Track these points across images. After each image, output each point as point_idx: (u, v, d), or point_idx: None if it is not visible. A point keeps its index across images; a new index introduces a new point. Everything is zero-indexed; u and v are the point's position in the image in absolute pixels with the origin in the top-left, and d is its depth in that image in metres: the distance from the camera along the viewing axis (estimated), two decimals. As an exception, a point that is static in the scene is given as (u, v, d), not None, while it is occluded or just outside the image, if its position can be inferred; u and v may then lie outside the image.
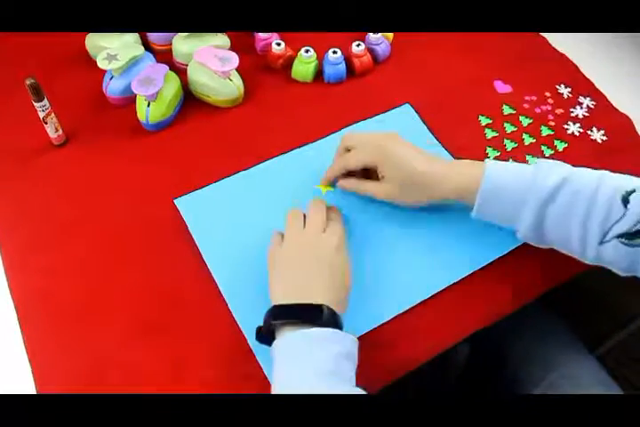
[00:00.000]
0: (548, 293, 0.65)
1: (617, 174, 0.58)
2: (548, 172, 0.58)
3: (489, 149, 0.73)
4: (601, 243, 0.55)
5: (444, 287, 0.63)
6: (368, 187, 0.65)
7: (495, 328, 0.62)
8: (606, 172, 0.58)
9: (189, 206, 0.67)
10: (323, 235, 0.59)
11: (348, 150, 0.65)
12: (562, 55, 0.83)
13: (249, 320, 0.60)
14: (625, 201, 0.54)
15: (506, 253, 0.65)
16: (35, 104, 0.65)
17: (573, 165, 0.60)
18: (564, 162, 0.60)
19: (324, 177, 0.68)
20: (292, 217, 0.62)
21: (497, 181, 0.58)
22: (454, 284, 0.63)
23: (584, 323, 0.81)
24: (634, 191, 0.54)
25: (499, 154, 0.73)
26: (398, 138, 0.64)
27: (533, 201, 0.57)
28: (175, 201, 0.67)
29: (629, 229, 0.54)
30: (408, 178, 0.61)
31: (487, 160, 0.61)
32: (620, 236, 0.54)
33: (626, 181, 0.56)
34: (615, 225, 0.54)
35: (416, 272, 0.64)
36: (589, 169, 0.59)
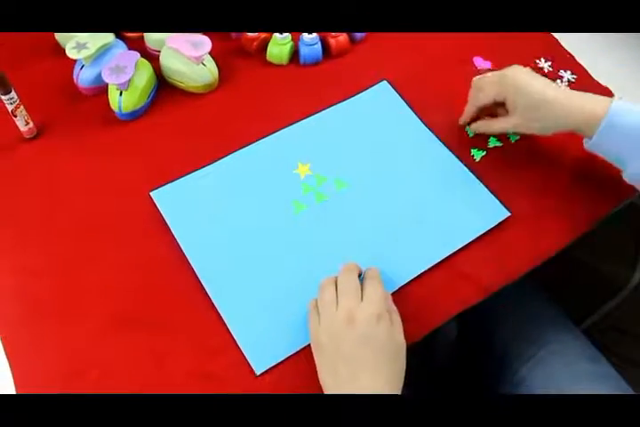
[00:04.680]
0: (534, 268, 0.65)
1: None
2: None
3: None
4: None
5: (428, 267, 0.63)
6: (497, 124, 0.68)
7: (482, 306, 0.62)
8: None
9: (166, 199, 0.65)
10: (357, 311, 0.54)
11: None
12: (541, 28, 0.82)
13: (232, 310, 0.59)
14: None
15: (488, 230, 0.65)
16: (2, 97, 0.63)
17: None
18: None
19: (460, 118, 0.71)
20: (322, 289, 0.58)
21: (619, 124, 0.59)
22: (438, 264, 0.63)
23: (571, 297, 0.81)
24: None
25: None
26: (521, 67, 0.65)
27: None
28: (151, 193, 0.66)
29: None
30: (535, 104, 0.63)
31: (615, 98, 0.62)
32: None
33: None
34: None
35: (399, 254, 0.63)
36: None
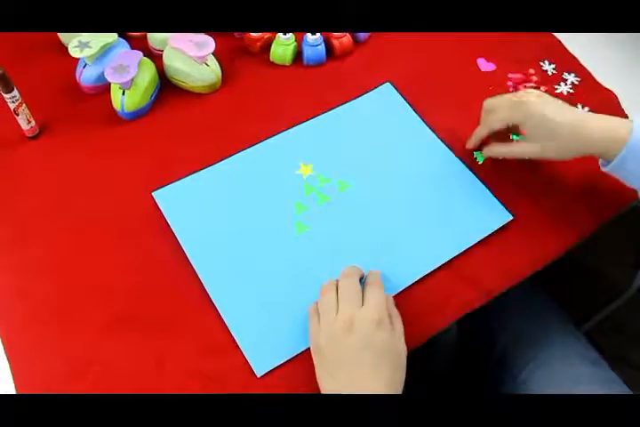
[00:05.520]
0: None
1: None
2: None
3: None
4: None
5: (430, 270, 0.62)
6: (513, 149, 0.66)
7: (482, 309, 0.62)
8: None
9: (168, 199, 0.65)
10: (357, 317, 0.54)
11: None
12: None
13: (233, 311, 0.59)
14: None
15: (490, 233, 0.65)
16: (4, 95, 0.63)
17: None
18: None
19: (469, 142, 0.69)
20: (323, 294, 0.58)
21: None
22: (440, 267, 0.63)
23: (572, 299, 0.81)
24: None
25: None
26: (536, 93, 0.63)
27: None
28: (153, 194, 0.65)
29: None
30: (551, 133, 0.61)
31: (634, 118, 0.60)
32: None
33: None
34: None
35: (402, 256, 0.63)
36: None
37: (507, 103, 0.64)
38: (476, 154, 0.70)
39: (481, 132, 0.67)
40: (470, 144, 0.69)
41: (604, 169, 0.62)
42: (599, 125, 0.60)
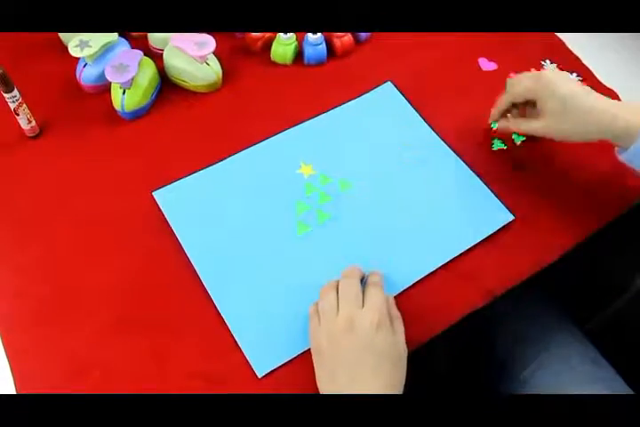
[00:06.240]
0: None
1: None
2: None
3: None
4: None
5: (431, 270, 0.62)
6: (526, 123, 0.64)
7: (483, 308, 0.62)
8: None
9: (168, 199, 0.65)
10: (357, 318, 0.54)
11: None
12: (547, 30, 0.81)
13: (234, 312, 0.59)
14: None
15: (491, 233, 0.65)
16: (4, 95, 0.63)
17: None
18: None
19: (491, 114, 0.68)
20: (323, 294, 0.58)
21: None
22: (442, 267, 0.63)
23: (573, 299, 0.81)
24: None
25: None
26: (560, 71, 0.64)
27: None
28: (154, 193, 0.65)
29: None
30: (564, 108, 0.60)
31: None
32: None
33: None
34: None
35: (403, 256, 0.63)
36: None
37: (528, 74, 0.64)
38: (494, 140, 0.70)
39: (502, 102, 0.67)
40: (493, 117, 0.69)
41: (620, 157, 0.61)
42: (617, 109, 0.59)
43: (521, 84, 0.64)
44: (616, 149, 0.62)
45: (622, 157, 0.60)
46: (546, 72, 0.63)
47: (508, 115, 0.68)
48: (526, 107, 0.66)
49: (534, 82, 0.62)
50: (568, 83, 0.62)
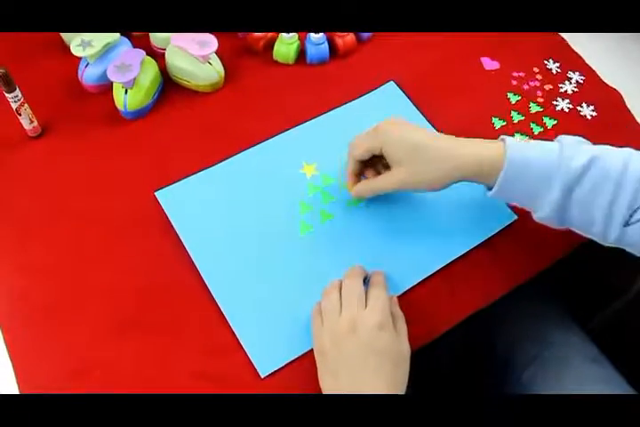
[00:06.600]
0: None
1: None
2: (574, 151, 0.54)
3: (477, 128, 0.71)
4: (626, 224, 0.53)
5: (434, 271, 0.62)
6: (380, 181, 0.61)
7: (486, 309, 0.62)
8: (631, 150, 0.55)
9: (171, 199, 0.65)
10: (360, 319, 0.54)
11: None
12: (549, 29, 0.81)
13: (236, 312, 0.59)
14: None
15: (494, 234, 0.65)
16: (6, 95, 0.63)
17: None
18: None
19: (347, 183, 0.64)
20: (326, 295, 0.57)
21: (521, 160, 0.54)
22: (444, 267, 0.63)
23: (575, 298, 0.81)
24: None
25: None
26: (394, 119, 0.61)
27: (559, 183, 0.53)
28: (156, 193, 0.65)
29: None
30: (413, 153, 0.57)
31: (503, 137, 0.57)
32: None
33: None
34: None
35: (405, 257, 0.63)
36: (612, 147, 0.56)
37: (364, 134, 0.61)
38: None
39: (350, 169, 0.63)
40: (349, 186, 0.64)
41: (489, 194, 0.57)
42: (469, 144, 0.57)
43: (362, 145, 0.60)
44: (487, 189, 0.58)
45: (491, 194, 0.57)
46: (381, 125, 0.60)
47: (365, 177, 0.64)
48: (380, 163, 0.63)
49: (373, 139, 0.59)
50: (404, 128, 0.59)
